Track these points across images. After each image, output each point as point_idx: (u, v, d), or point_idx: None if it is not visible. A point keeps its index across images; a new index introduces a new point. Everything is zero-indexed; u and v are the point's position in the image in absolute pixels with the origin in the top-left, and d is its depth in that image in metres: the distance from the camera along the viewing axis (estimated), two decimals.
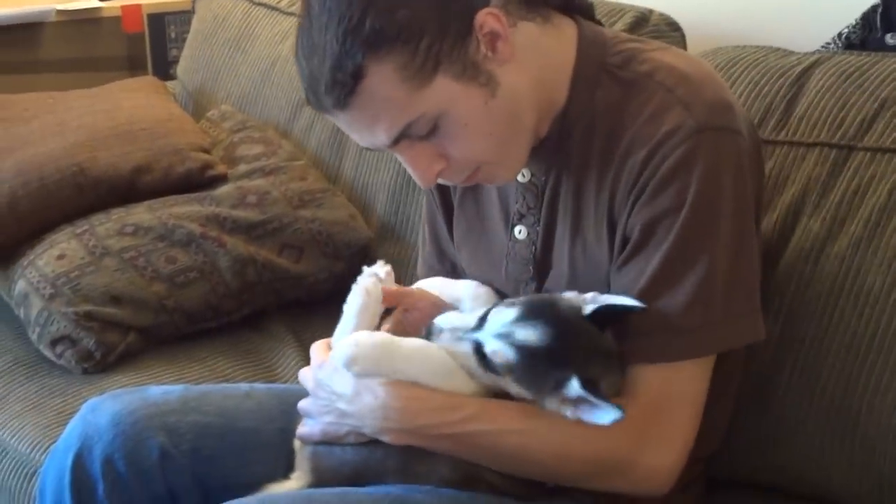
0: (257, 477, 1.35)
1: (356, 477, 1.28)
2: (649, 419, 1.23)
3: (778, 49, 1.63)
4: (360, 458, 1.28)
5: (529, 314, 1.20)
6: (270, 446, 1.39)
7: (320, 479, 1.31)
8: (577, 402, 1.19)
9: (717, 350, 1.26)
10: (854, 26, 1.77)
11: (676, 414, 1.25)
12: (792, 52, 1.62)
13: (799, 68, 1.55)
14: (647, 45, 1.32)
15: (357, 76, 1.17)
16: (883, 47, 1.72)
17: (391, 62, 1.17)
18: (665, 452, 1.24)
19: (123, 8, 2.74)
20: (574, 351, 1.20)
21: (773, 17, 1.89)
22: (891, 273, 1.37)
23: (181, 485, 1.36)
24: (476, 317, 1.23)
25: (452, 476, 1.26)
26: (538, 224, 1.34)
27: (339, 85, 1.18)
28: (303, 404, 1.34)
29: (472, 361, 1.21)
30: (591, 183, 1.28)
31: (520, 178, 1.34)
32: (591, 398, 1.18)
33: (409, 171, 1.27)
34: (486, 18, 1.20)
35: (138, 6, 2.74)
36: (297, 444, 1.36)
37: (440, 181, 1.29)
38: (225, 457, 1.37)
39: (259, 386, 1.51)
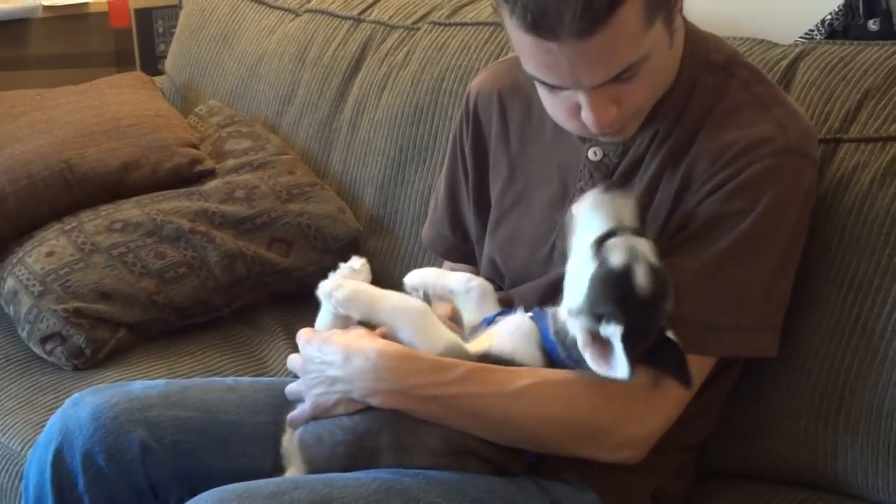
0: (243, 469, 1.36)
1: (351, 460, 1.29)
2: (642, 394, 1.26)
3: (762, 41, 1.64)
4: (353, 438, 1.29)
5: (657, 262, 1.20)
6: (255, 438, 1.40)
7: (315, 469, 1.31)
8: (598, 343, 1.19)
9: (731, 353, 1.31)
10: (837, 13, 1.78)
11: (668, 395, 1.27)
12: (776, 45, 1.63)
13: (784, 62, 1.56)
14: (741, 54, 1.38)
15: (615, 5, 1.17)
16: (865, 33, 1.73)
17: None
18: (646, 426, 1.27)
19: (110, 3, 2.74)
20: (639, 314, 1.20)
21: (756, 5, 1.90)
22: (874, 259, 1.38)
23: (162, 479, 1.37)
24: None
25: (442, 447, 1.27)
26: None
27: (595, 12, 1.16)
28: (291, 387, 1.36)
29: (592, 235, 1.21)
30: (665, 166, 1.32)
31: (591, 156, 1.38)
32: (619, 349, 1.17)
33: (590, 114, 1.25)
34: None
35: (125, 1, 2.74)
36: (285, 439, 1.36)
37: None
38: (208, 450, 1.38)
39: (244, 379, 1.52)
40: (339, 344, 1.29)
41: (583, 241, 1.23)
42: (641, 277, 1.19)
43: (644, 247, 1.21)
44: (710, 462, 1.47)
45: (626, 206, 1.23)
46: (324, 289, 1.33)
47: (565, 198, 1.41)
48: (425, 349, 1.28)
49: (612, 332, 1.19)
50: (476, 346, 1.31)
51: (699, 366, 1.28)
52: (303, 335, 1.35)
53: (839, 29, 1.77)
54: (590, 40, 1.18)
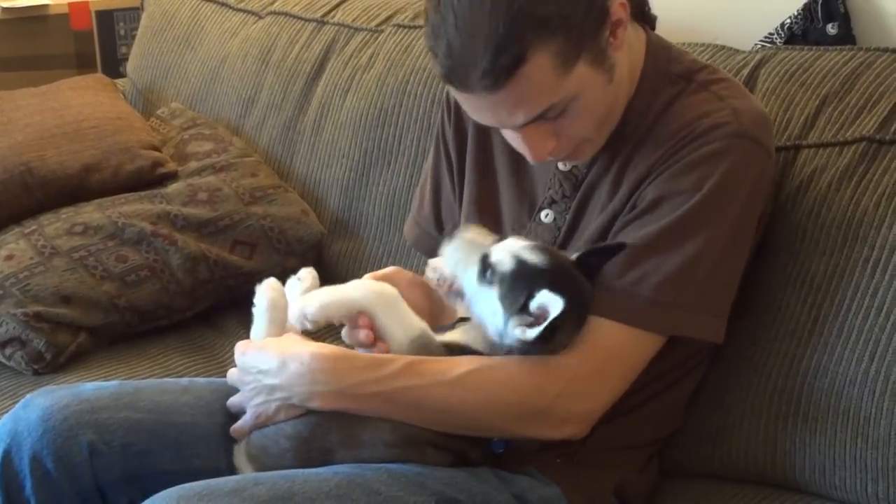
0: (197, 471, 1.35)
1: (303, 463, 1.29)
2: (584, 370, 1.28)
3: (724, 48, 1.66)
4: (298, 443, 1.29)
5: (538, 246, 1.28)
6: (210, 439, 1.40)
7: None
8: (529, 325, 1.24)
9: (674, 332, 1.32)
10: (796, 17, 1.80)
11: (611, 372, 1.29)
12: (737, 51, 1.65)
13: (746, 71, 1.58)
14: (702, 60, 1.43)
15: (519, 62, 1.22)
16: (824, 37, 1.76)
17: (550, 50, 1.23)
18: (587, 403, 1.29)
19: (70, 5, 2.71)
20: (558, 278, 1.25)
21: (717, 9, 1.92)
22: (832, 261, 1.41)
23: (111, 481, 1.37)
24: (496, 238, 1.31)
25: (396, 440, 1.28)
26: (568, 211, 1.41)
27: (500, 70, 1.22)
28: (233, 399, 1.36)
29: (474, 267, 1.27)
30: (630, 168, 1.35)
31: (561, 166, 1.41)
32: (549, 314, 1.21)
33: (523, 147, 1.32)
34: (618, 8, 1.28)
35: (86, 3, 2.72)
36: (236, 450, 1.36)
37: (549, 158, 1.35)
38: (159, 452, 1.38)
39: (198, 380, 1.52)
40: (274, 351, 1.30)
41: (469, 283, 1.29)
42: (531, 255, 1.26)
43: (511, 242, 1.28)
44: (673, 461, 1.48)
45: (475, 235, 1.31)
46: (294, 316, 1.33)
47: (534, 204, 1.44)
48: (399, 334, 1.29)
49: (544, 302, 1.22)
50: (442, 337, 1.32)
51: (643, 343, 1.30)
52: (238, 348, 1.36)
53: (798, 33, 1.79)
54: (499, 93, 1.25)
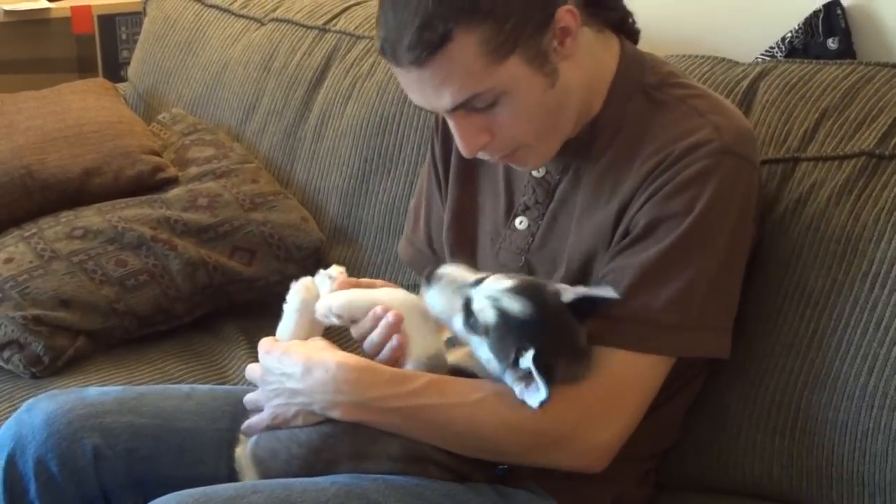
0: (199, 477, 1.35)
1: (307, 471, 1.29)
2: (600, 399, 1.28)
3: (723, 60, 1.66)
4: (308, 452, 1.29)
5: (519, 288, 1.25)
6: (212, 446, 1.40)
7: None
8: (526, 379, 1.23)
9: (681, 353, 1.32)
10: (797, 31, 1.81)
11: (626, 399, 1.29)
12: (737, 63, 1.65)
13: (745, 83, 1.59)
14: (680, 73, 1.42)
15: (444, 40, 1.24)
16: (825, 51, 1.77)
17: (477, 34, 1.24)
18: (606, 432, 1.29)
19: (73, 9, 2.71)
20: (543, 330, 1.24)
21: (718, 23, 1.92)
22: (830, 275, 1.41)
23: (115, 486, 1.37)
24: (476, 275, 1.29)
25: (401, 454, 1.28)
26: (542, 218, 1.41)
27: (424, 44, 1.24)
28: (250, 396, 1.36)
29: (459, 314, 1.26)
30: (608, 183, 1.35)
31: (534, 172, 1.42)
32: (535, 374, 1.21)
33: (457, 138, 1.33)
34: (565, 14, 1.28)
35: (88, 7, 2.72)
36: (238, 452, 1.36)
37: (480, 154, 1.35)
38: (162, 457, 1.38)
39: (201, 387, 1.52)
40: (300, 356, 1.29)
41: (459, 329, 1.28)
42: (513, 304, 1.23)
43: (494, 282, 1.25)
44: (669, 474, 1.48)
45: (454, 275, 1.29)
46: (320, 310, 1.32)
47: (511, 210, 1.44)
48: (419, 346, 1.28)
49: (528, 360, 1.21)
50: (451, 356, 1.32)
51: (654, 367, 1.30)
52: (263, 345, 1.35)
53: (799, 47, 1.80)
54: (425, 69, 1.26)
